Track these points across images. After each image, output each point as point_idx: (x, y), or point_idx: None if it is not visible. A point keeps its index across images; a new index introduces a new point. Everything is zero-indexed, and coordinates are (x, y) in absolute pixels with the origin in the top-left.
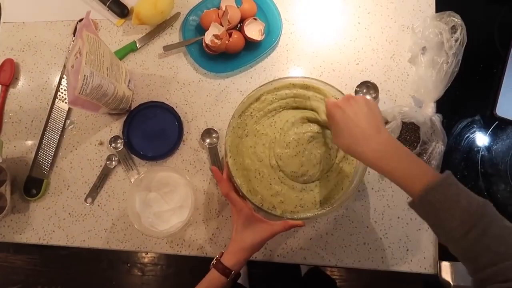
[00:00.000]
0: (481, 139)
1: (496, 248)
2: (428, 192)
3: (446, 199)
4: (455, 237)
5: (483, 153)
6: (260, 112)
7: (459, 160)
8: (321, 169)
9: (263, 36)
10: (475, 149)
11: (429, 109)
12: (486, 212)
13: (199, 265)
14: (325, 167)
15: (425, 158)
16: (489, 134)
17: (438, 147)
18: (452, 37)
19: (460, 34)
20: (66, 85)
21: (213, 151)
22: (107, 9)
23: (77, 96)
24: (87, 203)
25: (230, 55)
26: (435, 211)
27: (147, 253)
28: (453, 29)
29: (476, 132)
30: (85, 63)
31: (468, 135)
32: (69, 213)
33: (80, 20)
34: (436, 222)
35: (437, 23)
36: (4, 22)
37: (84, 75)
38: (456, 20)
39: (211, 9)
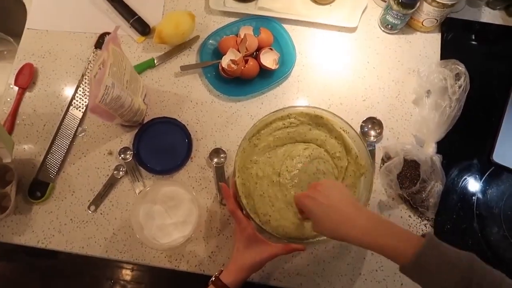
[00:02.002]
0: (478, 182)
1: None
2: (418, 257)
3: (436, 261)
4: None
5: (478, 196)
6: (270, 137)
7: (456, 200)
8: None
9: (277, 66)
10: (472, 191)
11: (430, 149)
12: (475, 267)
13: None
14: None
15: (423, 195)
16: (485, 178)
17: (436, 186)
18: (456, 84)
19: (464, 81)
20: (87, 93)
21: (219, 171)
22: (130, 26)
23: (97, 104)
24: (90, 210)
25: (244, 80)
26: (429, 274)
27: (132, 270)
28: (457, 76)
29: (473, 175)
30: (108, 74)
31: (465, 177)
32: (71, 219)
33: (103, 34)
34: (431, 284)
35: (442, 69)
36: (28, 28)
37: (106, 85)
38: (460, 68)
39: (230, 35)
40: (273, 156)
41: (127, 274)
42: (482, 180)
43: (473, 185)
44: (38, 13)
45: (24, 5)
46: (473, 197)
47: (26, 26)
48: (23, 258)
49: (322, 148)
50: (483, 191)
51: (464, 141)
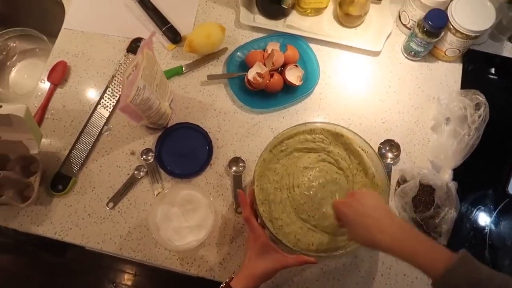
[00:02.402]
0: (492, 213)
1: None
2: (449, 273)
3: (468, 278)
4: None
5: (492, 226)
6: (290, 149)
7: (469, 229)
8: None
9: (301, 82)
10: (485, 221)
11: (447, 176)
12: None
13: None
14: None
15: (437, 221)
16: (499, 209)
17: (450, 213)
18: (475, 113)
19: (483, 111)
20: (115, 94)
21: (237, 179)
22: (162, 33)
23: (127, 104)
24: (108, 207)
25: (268, 94)
26: None
27: (135, 275)
28: (477, 106)
29: (488, 205)
30: (141, 76)
31: (480, 206)
32: (89, 214)
33: (135, 39)
34: None
35: (462, 98)
36: (65, 28)
37: (138, 87)
38: (481, 98)
39: (258, 50)
40: (292, 166)
41: (129, 279)
42: (496, 211)
43: (487, 215)
44: (75, 15)
45: (63, 6)
46: (486, 227)
47: (64, 26)
48: (30, 252)
49: (337, 165)
50: (497, 222)
51: (481, 171)
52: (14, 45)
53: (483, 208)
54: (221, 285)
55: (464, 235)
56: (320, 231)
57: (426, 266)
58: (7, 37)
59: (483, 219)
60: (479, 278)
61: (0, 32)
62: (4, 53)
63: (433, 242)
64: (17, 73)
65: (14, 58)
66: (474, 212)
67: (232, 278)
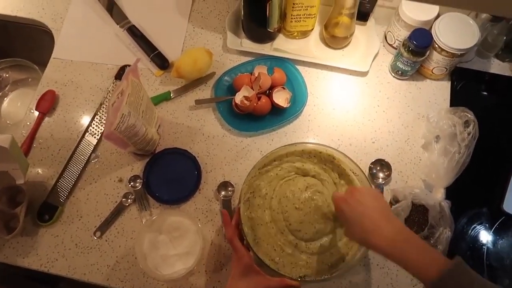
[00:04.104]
0: (488, 231)
1: None
2: (442, 279)
3: (462, 286)
4: None
5: (489, 245)
6: (279, 168)
7: (465, 249)
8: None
9: (289, 104)
10: (481, 240)
11: (439, 195)
12: None
13: None
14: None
15: (432, 241)
16: (495, 227)
17: (445, 233)
18: (465, 130)
19: (473, 129)
20: (103, 121)
21: (226, 204)
22: (150, 60)
23: (112, 131)
24: (95, 236)
25: (256, 116)
26: None
27: None
28: (466, 123)
29: (483, 224)
30: (126, 103)
31: (475, 225)
32: (76, 244)
33: (124, 66)
34: None
35: (451, 116)
36: (54, 58)
37: (123, 114)
38: (469, 116)
39: (245, 73)
40: (281, 187)
41: None
42: (492, 230)
43: (483, 234)
44: (64, 44)
45: (52, 36)
46: (483, 247)
47: (53, 55)
48: (24, 284)
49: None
50: (494, 241)
51: (474, 188)
52: (7, 75)
53: (478, 227)
54: None
55: (461, 255)
56: (306, 254)
57: (419, 270)
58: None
59: (480, 238)
60: (472, 286)
61: None
62: None
63: (428, 246)
64: (9, 103)
65: (7, 88)
66: (469, 231)
67: None
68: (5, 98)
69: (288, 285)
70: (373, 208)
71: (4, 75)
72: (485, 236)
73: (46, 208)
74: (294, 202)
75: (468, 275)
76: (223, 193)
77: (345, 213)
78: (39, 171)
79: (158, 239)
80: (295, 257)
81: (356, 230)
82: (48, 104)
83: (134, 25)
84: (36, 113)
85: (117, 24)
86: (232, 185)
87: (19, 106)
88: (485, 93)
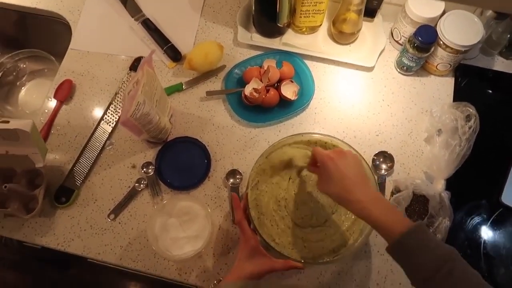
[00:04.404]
0: (486, 222)
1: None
2: (403, 237)
3: (418, 244)
4: (425, 277)
5: (486, 236)
6: (284, 155)
7: (463, 239)
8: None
9: (296, 97)
10: (479, 231)
11: (439, 186)
12: (452, 256)
13: None
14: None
15: (431, 230)
16: (493, 219)
17: (444, 223)
18: (466, 124)
19: (474, 123)
20: (118, 110)
21: (234, 191)
22: (163, 52)
23: (128, 118)
24: (109, 218)
25: (264, 108)
26: (409, 254)
27: None
28: (468, 118)
29: (482, 215)
30: (141, 92)
31: (473, 216)
32: (91, 225)
33: (138, 58)
34: (408, 265)
35: (453, 110)
36: (71, 49)
37: (138, 102)
38: (471, 110)
39: (254, 66)
40: (284, 178)
41: None
42: (490, 221)
43: (481, 224)
44: (82, 35)
45: (70, 28)
46: (481, 237)
47: (70, 46)
48: (35, 269)
49: None
50: (491, 232)
51: (473, 181)
52: (24, 66)
53: (477, 218)
54: (210, 286)
55: (459, 244)
56: (308, 240)
57: (386, 231)
58: (17, 58)
59: (478, 229)
60: (428, 245)
61: (11, 54)
62: (14, 73)
63: (397, 213)
64: (26, 92)
65: (24, 78)
66: (468, 221)
67: (220, 280)
68: (23, 88)
69: (292, 266)
70: (354, 171)
71: (22, 65)
72: (483, 227)
73: (63, 191)
74: (300, 185)
75: (426, 234)
76: (231, 180)
77: (329, 169)
78: (57, 156)
79: (168, 222)
80: (297, 243)
81: (335, 186)
82: (65, 92)
83: (148, 18)
84: (54, 101)
85: (132, 17)
86: (240, 173)
87: (36, 96)
88: (488, 90)
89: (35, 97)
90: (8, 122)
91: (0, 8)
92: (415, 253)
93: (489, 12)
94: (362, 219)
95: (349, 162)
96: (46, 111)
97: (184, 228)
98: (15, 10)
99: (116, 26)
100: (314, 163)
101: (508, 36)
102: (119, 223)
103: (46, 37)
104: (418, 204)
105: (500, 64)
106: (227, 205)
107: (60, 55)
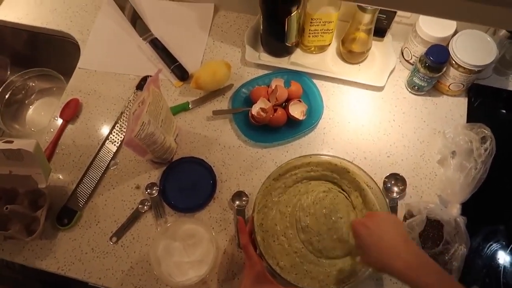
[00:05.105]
0: (505, 249)
1: None
2: None
3: None
4: None
5: (506, 264)
6: (292, 180)
7: (481, 266)
8: (345, 249)
9: (304, 117)
10: (498, 259)
11: (455, 210)
12: None
13: None
14: (347, 249)
15: (446, 258)
16: None
17: (460, 250)
18: (481, 146)
19: (490, 145)
20: (123, 130)
21: (240, 213)
22: (171, 71)
23: (132, 138)
24: (111, 241)
25: (272, 128)
26: None
27: None
28: (483, 139)
29: (500, 241)
30: (146, 112)
31: (491, 243)
32: (92, 248)
33: (145, 77)
34: None
35: (468, 132)
36: (79, 68)
37: (143, 122)
38: (486, 132)
39: (262, 86)
40: (295, 195)
41: None
42: (509, 248)
43: (500, 252)
44: (90, 55)
45: (78, 47)
46: (500, 266)
47: (78, 65)
48: None
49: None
50: (511, 259)
51: (490, 205)
52: (33, 84)
53: (495, 244)
54: None
55: (477, 272)
56: (318, 263)
57: None
58: (26, 77)
59: (496, 256)
60: None
61: (20, 73)
62: (23, 92)
63: (447, 275)
64: (34, 111)
65: (32, 97)
66: (485, 248)
67: None
68: (31, 106)
69: None
70: (392, 232)
71: (31, 84)
72: (502, 254)
73: (66, 212)
74: (309, 208)
75: None
76: (237, 202)
77: (363, 237)
78: (60, 176)
79: (172, 246)
80: (304, 270)
81: (373, 253)
82: (71, 112)
83: (156, 38)
84: (60, 121)
85: (140, 37)
86: (246, 195)
87: (43, 114)
88: (503, 110)
89: (43, 115)
90: (12, 142)
91: (11, 28)
92: None
93: (502, 32)
94: (409, 285)
95: (384, 223)
96: (52, 130)
97: (188, 252)
98: (25, 29)
99: (124, 45)
100: (355, 237)
101: None
102: (121, 246)
103: (55, 56)
104: (433, 230)
105: None
106: (233, 228)
107: (69, 74)
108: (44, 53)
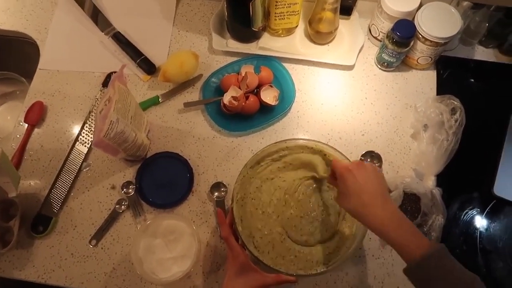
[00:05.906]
0: (480, 216)
1: None
2: (424, 259)
3: (439, 269)
4: None
5: (481, 230)
6: (270, 166)
7: (458, 234)
8: (323, 233)
9: (277, 102)
10: (474, 225)
11: (430, 182)
12: (475, 285)
13: None
14: (326, 231)
15: (425, 229)
16: (487, 211)
17: (438, 220)
18: (452, 118)
19: (459, 115)
20: (93, 129)
21: (220, 204)
22: (137, 65)
23: (101, 139)
24: (91, 245)
25: (245, 116)
26: (428, 279)
27: None
28: (453, 111)
29: (475, 208)
30: (113, 110)
31: (467, 211)
32: (72, 254)
33: (110, 73)
34: None
35: (438, 104)
36: (40, 69)
37: (111, 121)
38: (456, 103)
39: (232, 73)
40: (273, 182)
41: None
42: (484, 214)
43: (476, 219)
44: (50, 54)
45: (37, 47)
46: (476, 231)
47: (39, 66)
48: None
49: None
50: (486, 225)
51: (464, 174)
52: None
53: (470, 212)
54: None
55: (455, 240)
56: (301, 246)
57: (405, 252)
58: None
59: (472, 223)
60: (450, 271)
61: None
62: None
63: (417, 233)
64: None
65: None
66: (462, 216)
67: None
68: None
69: (284, 280)
70: (374, 185)
71: None
72: (478, 221)
73: (40, 219)
74: (284, 199)
75: (448, 259)
76: (216, 194)
77: (347, 182)
78: (31, 183)
79: (153, 243)
80: (288, 254)
81: (351, 201)
82: (36, 115)
83: (119, 32)
84: (25, 125)
85: (102, 32)
86: (224, 186)
87: (9, 119)
88: (471, 80)
89: (9, 121)
90: None
91: None
92: (435, 278)
93: (466, 2)
94: (380, 236)
95: (369, 175)
96: (18, 136)
97: (170, 248)
98: None
99: (85, 42)
100: (334, 175)
101: (486, 24)
102: (102, 248)
103: (15, 58)
104: (410, 203)
105: (481, 53)
106: (214, 220)
107: (31, 76)
108: (3, 56)
